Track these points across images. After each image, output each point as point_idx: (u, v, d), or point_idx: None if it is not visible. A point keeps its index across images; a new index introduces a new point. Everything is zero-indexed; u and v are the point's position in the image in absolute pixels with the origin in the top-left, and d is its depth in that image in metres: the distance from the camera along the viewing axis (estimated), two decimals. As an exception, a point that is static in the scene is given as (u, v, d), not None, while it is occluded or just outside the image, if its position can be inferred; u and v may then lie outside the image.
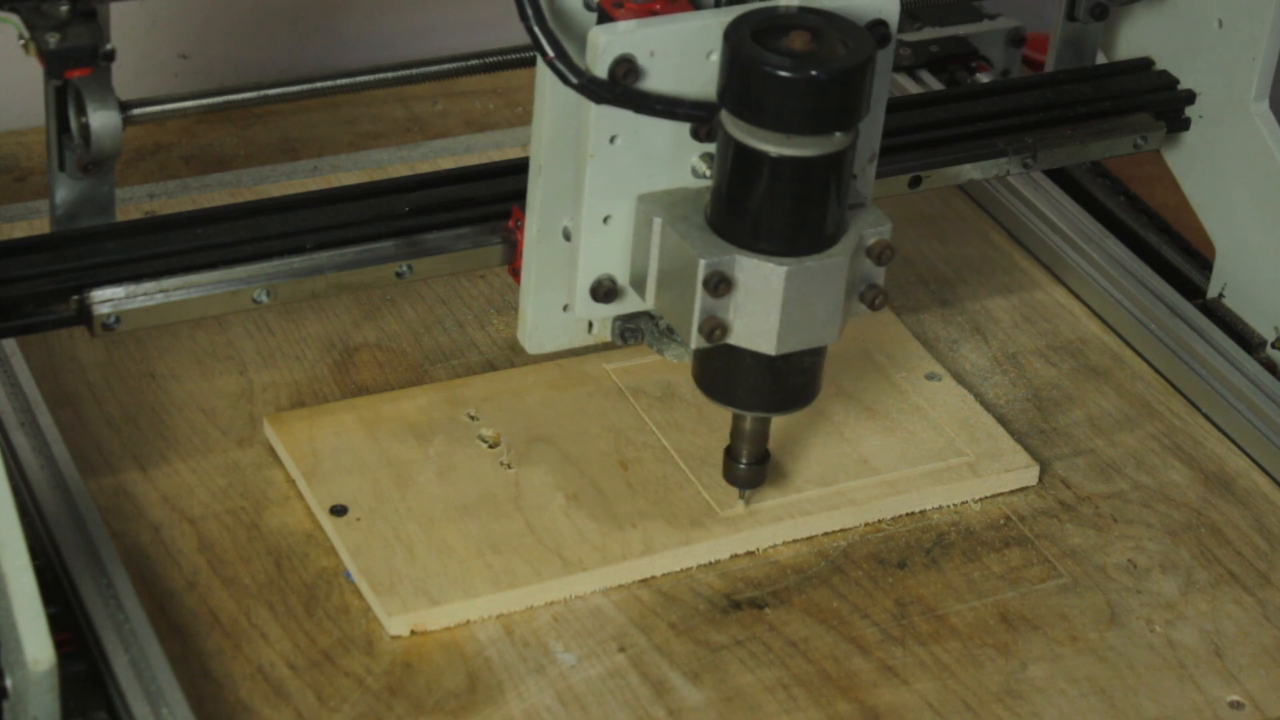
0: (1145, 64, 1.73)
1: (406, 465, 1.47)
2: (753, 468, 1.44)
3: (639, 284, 1.37)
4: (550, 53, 1.30)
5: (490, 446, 1.49)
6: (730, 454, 1.44)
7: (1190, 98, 1.70)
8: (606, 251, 1.37)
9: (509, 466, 1.48)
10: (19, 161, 1.77)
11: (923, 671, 1.38)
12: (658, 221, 1.34)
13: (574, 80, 1.30)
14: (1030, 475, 1.53)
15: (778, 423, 1.52)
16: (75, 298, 1.40)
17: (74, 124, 1.43)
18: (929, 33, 1.92)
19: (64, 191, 1.46)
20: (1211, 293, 1.71)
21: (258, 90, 1.53)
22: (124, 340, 1.57)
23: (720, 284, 1.31)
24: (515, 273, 1.44)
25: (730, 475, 1.45)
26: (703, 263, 1.31)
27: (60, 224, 1.47)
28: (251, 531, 1.43)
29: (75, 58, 1.42)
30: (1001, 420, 1.57)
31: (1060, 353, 1.66)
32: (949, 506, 1.51)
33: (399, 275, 1.46)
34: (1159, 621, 1.43)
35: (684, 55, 1.32)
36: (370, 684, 1.34)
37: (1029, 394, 1.62)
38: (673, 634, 1.39)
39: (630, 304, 1.39)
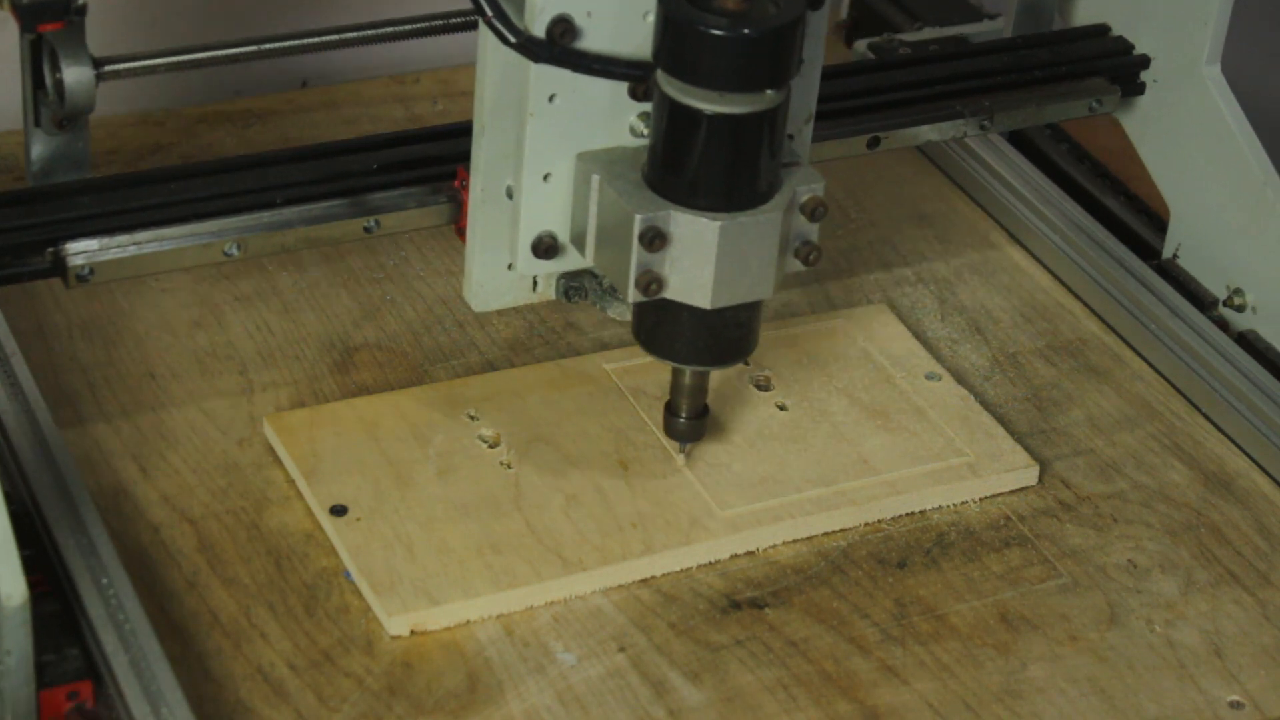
0: (1101, 30, 1.77)
1: (406, 465, 1.47)
2: (692, 422, 1.47)
3: (579, 240, 1.40)
4: (489, 12, 1.33)
5: (490, 446, 1.49)
6: (670, 409, 1.47)
7: (1145, 62, 1.74)
8: (547, 209, 1.40)
9: (509, 466, 1.48)
10: (19, 161, 1.77)
11: (923, 671, 1.38)
12: (596, 179, 1.37)
13: (512, 39, 1.33)
14: (1030, 475, 1.53)
15: (779, 422, 1.52)
16: (50, 250, 1.44)
17: (49, 79, 1.47)
18: (929, 33, 1.92)
19: (40, 147, 1.51)
20: (1166, 253, 1.74)
21: (227, 48, 1.59)
22: (124, 339, 1.57)
23: (655, 239, 1.34)
24: (460, 232, 1.48)
25: (671, 430, 1.48)
26: (638, 218, 1.34)
27: (36, 179, 1.52)
28: (251, 531, 1.43)
29: (48, 12, 1.46)
30: (1001, 420, 1.57)
31: (1060, 352, 1.66)
32: (949, 506, 1.51)
33: (367, 230, 1.50)
34: (1159, 621, 1.43)
35: (620, 15, 1.35)
36: (370, 684, 1.34)
37: (1029, 394, 1.62)
38: (673, 634, 1.39)
39: (571, 261, 1.42)
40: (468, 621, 1.38)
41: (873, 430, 1.54)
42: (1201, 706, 1.38)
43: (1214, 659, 1.41)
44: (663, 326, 1.40)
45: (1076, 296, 1.72)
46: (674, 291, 1.37)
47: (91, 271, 1.44)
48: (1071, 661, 1.40)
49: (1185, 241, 1.72)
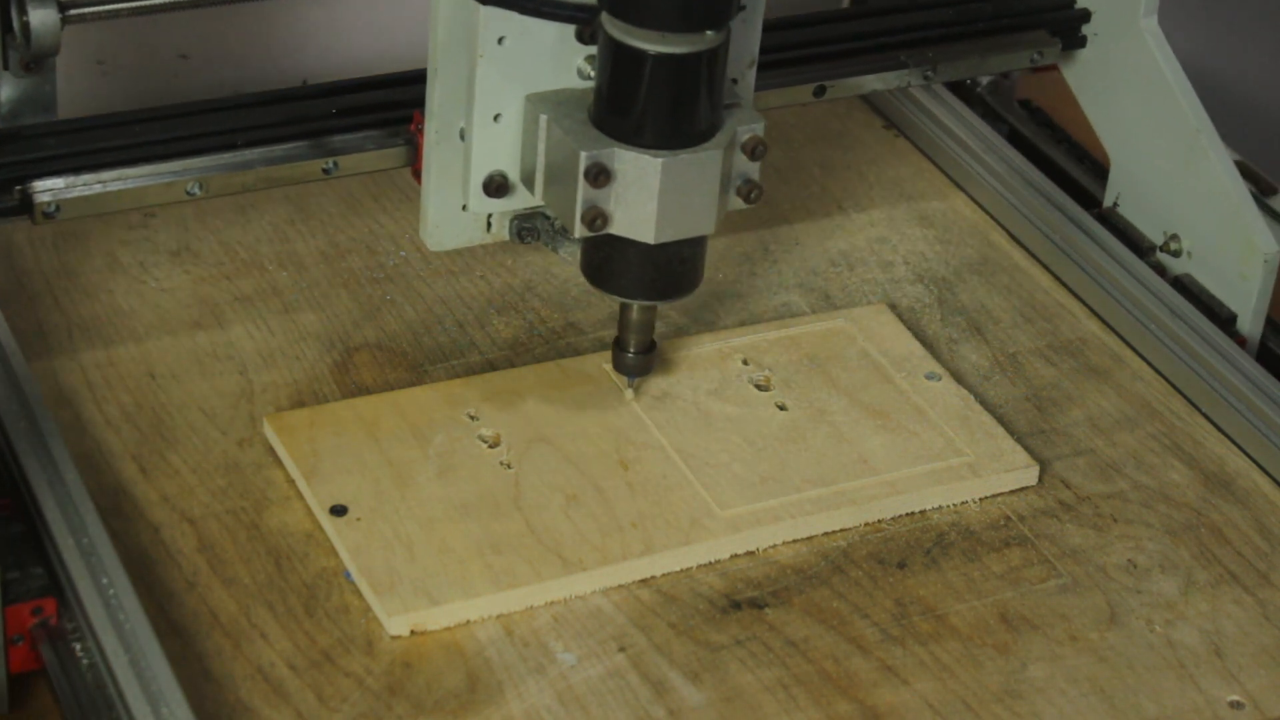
0: None
1: (406, 465, 1.47)
2: (640, 356, 1.52)
3: (528, 179, 1.45)
4: None
5: (490, 446, 1.49)
6: (618, 344, 1.52)
7: (1086, 16, 1.79)
8: (498, 148, 1.45)
9: (509, 466, 1.48)
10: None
11: (923, 671, 1.38)
12: (544, 118, 1.42)
13: None
14: (1030, 475, 1.53)
15: (779, 423, 1.52)
16: (18, 188, 1.50)
17: (15, 23, 1.53)
18: None
19: (8, 90, 1.58)
20: (1107, 202, 1.80)
21: None
22: (124, 339, 1.57)
23: (600, 175, 1.39)
24: (417, 174, 1.52)
25: (619, 364, 1.53)
26: (583, 154, 1.38)
27: (5, 121, 1.59)
28: (251, 531, 1.43)
29: None
30: (1001, 420, 1.57)
31: (1060, 353, 1.66)
32: (949, 506, 1.51)
33: (325, 171, 1.56)
34: (1159, 621, 1.43)
35: None
36: (370, 684, 1.34)
37: (1029, 394, 1.62)
38: (672, 634, 1.39)
39: (521, 200, 1.47)
40: (468, 621, 1.38)
41: (873, 430, 1.54)
42: (1201, 706, 1.38)
43: (1214, 659, 1.41)
44: (610, 263, 1.45)
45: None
46: (619, 227, 1.41)
47: (58, 209, 1.50)
48: (1071, 661, 1.40)
49: (1125, 190, 1.78)
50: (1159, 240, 1.75)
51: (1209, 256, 1.71)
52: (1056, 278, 1.72)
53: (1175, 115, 1.71)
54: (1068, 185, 1.83)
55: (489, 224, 1.49)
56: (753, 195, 1.45)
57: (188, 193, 1.52)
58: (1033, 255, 1.74)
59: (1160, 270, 1.73)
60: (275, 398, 1.54)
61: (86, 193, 1.50)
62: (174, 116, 1.55)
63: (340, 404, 1.52)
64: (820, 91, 1.71)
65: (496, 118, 1.43)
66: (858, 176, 1.83)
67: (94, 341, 1.57)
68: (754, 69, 1.50)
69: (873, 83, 1.74)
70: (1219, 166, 1.69)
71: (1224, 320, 1.69)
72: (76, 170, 1.51)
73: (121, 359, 1.56)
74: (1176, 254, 1.73)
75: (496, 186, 1.45)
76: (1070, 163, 1.88)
